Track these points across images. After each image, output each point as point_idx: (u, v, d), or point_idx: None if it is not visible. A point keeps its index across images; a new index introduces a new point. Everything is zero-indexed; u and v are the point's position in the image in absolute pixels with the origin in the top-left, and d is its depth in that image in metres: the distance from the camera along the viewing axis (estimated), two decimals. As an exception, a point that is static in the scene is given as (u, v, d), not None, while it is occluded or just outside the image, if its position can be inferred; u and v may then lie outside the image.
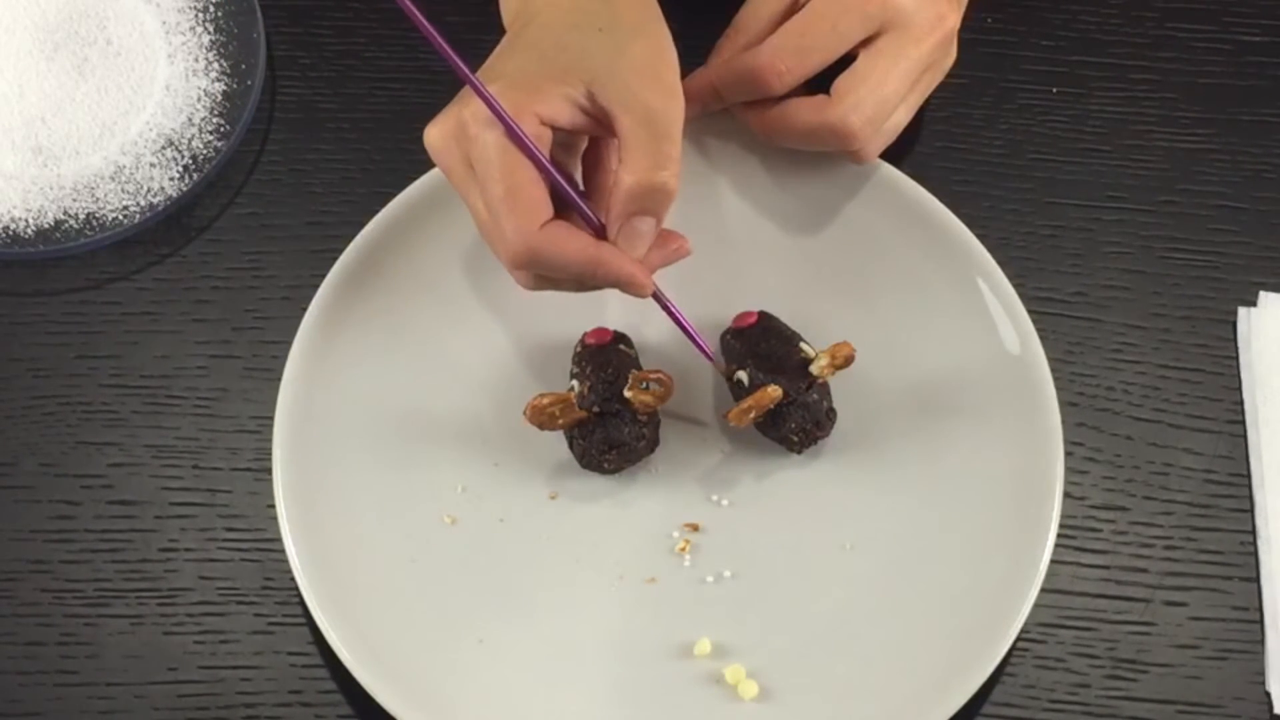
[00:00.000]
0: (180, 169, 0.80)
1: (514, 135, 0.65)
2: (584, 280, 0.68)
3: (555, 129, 0.67)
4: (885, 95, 0.72)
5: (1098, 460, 0.76)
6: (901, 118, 0.75)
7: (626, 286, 0.68)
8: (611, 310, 0.76)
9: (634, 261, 0.67)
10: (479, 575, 0.72)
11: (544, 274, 0.68)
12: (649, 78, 0.66)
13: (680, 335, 0.76)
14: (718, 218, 0.79)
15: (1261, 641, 0.72)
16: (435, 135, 0.68)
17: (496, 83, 0.66)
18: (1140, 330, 0.79)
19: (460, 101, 0.67)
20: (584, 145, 0.71)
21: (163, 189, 0.79)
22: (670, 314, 0.72)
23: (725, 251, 0.78)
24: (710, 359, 0.74)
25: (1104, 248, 0.80)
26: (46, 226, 0.78)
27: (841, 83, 0.73)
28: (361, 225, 0.76)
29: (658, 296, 0.71)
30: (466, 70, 0.66)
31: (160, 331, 0.78)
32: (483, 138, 0.65)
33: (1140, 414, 0.77)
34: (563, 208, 0.67)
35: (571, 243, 0.66)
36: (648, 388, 0.71)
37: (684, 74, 0.77)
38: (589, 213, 0.68)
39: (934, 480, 0.74)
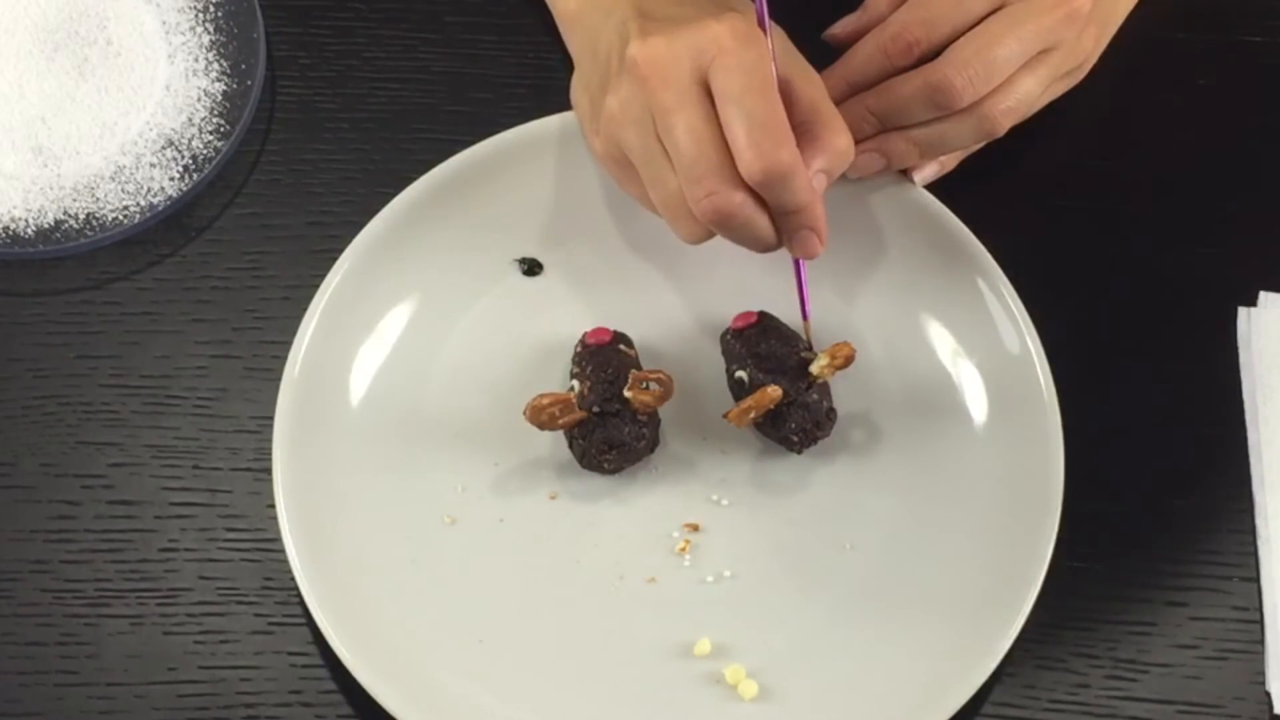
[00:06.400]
0: (180, 169, 0.80)
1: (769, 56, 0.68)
2: (792, 210, 0.68)
3: None
4: (994, 57, 0.72)
5: (1098, 461, 0.75)
6: (1031, 89, 0.74)
7: (816, 229, 0.69)
8: (612, 310, 0.76)
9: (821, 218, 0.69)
10: (479, 575, 0.72)
11: (773, 201, 0.68)
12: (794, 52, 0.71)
13: (680, 336, 0.76)
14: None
15: (1261, 641, 0.72)
16: (665, 47, 0.68)
17: (728, 17, 0.68)
18: (1140, 330, 0.79)
19: (694, 24, 0.68)
20: None
21: (163, 189, 0.79)
22: (797, 270, 0.73)
23: (726, 252, 0.78)
24: (806, 320, 0.74)
25: (1104, 247, 0.80)
26: (46, 226, 0.78)
27: (951, 47, 0.73)
28: (361, 225, 0.76)
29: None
30: None
31: (160, 331, 0.78)
32: (746, 53, 0.67)
33: (1140, 414, 0.77)
34: None
35: (805, 175, 0.67)
36: (648, 388, 0.71)
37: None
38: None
39: (934, 480, 0.74)
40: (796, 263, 0.73)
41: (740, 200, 0.67)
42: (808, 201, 0.68)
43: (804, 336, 0.74)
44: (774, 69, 0.68)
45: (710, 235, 0.70)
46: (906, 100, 0.74)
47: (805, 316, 0.74)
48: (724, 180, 0.67)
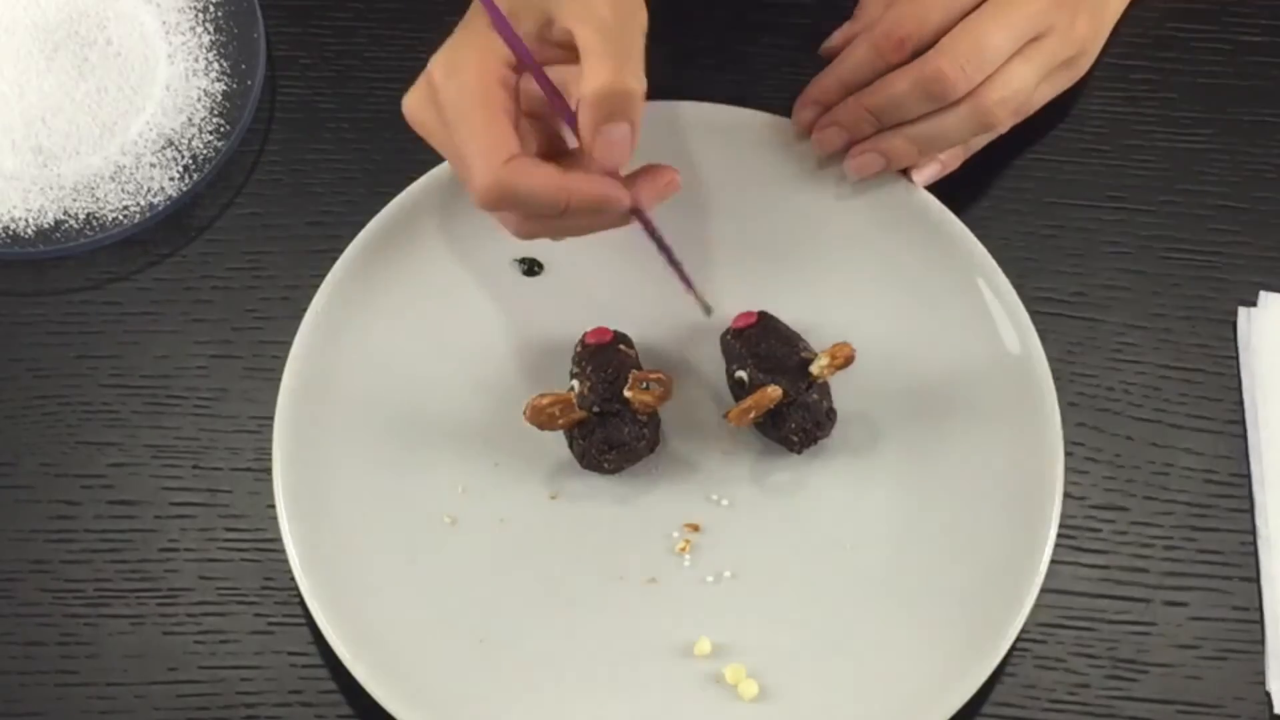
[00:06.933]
0: (180, 169, 0.80)
1: (518, 50, 0.66)
2: (560, 210, 0.67)
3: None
4: (985, 45, 0.73)
5: (1098, 460, 0.76)
6: (1025, 77, 0.74)
7: (604, 205, 0.67)
8: (612, 310, 0.76)
9: (604, 180, 0.67)
10: (479, 575, 0.72)
11: (523, 212, 0.68)
12: None
13: (680, 336, 0.76)
14: (717, 218, 0.79)
15: (1261, 641, 0.72)
16: (410, 103, 0.69)
17: (465, 28, 0.67)
18: (1140, 330, 0.79)
19: (433, 60, 0.68)
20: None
21: (163, 189, 0.79)
22: (653, 236, 0.71)
23: (725, 252, 0.78)
24: (691, 288, 0.72)
25: (1104, 248, 0.80)
26: (46, 226, 0.79)
27: (943, 39, 0.73)
28: (361, 225, 0.76)
29: (640, 216, 0.69)
30: None
31: (160, 331, 0.78)
32: (447, 85, 0.66)
33: (1140, 414, 0.77)
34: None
35: (538, 173, 0.66)
36: (648, 388, 0.71)
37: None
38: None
39: (934, 480, 0.74)
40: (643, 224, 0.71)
41: (506, 217, 0.68)
42: (554, 193, 0.66)
43: (701, 302, 0.73)
44: (497, 73, 0.66)
45: (532, 234, 0.70)
46: (902, 95, 0.74)
47: (689, 285, 0.72)
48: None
